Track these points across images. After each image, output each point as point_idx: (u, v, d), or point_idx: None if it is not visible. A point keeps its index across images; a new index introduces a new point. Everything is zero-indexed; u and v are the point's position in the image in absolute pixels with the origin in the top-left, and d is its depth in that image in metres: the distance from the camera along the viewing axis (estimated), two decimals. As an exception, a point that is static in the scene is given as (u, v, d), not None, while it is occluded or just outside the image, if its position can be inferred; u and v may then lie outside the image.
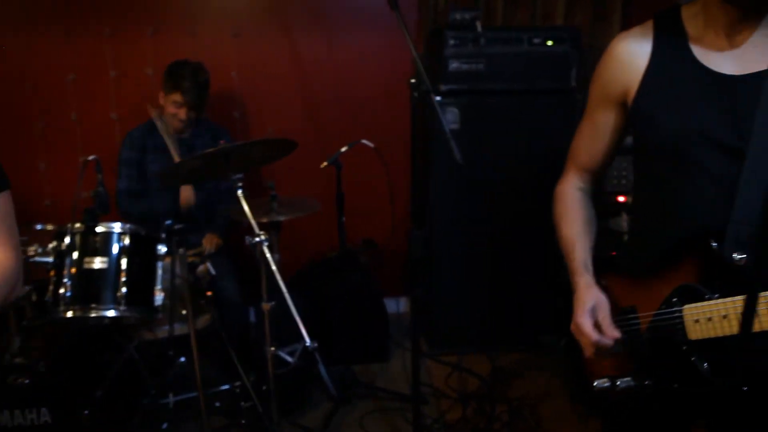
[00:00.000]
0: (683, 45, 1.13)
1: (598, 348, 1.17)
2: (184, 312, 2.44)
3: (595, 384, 1.19)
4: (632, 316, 1.21)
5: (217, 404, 2.50)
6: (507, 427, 2.54)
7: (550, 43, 2.85)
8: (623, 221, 2.58)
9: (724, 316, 1.03)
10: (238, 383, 2.54)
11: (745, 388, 1.01)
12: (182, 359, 2.61)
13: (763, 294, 0.93)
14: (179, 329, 2.54)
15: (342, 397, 2.58)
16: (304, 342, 2.03)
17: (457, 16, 2.83)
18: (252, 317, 3.02)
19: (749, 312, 0.88)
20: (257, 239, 2.02)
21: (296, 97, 3.39)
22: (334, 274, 3.06)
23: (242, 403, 2.30)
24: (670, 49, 1.15)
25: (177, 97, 2.69)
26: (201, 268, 2.41)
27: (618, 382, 1.15)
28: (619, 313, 1.23)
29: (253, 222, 2.04)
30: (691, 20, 1.14)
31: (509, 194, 2.97)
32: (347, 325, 2.96)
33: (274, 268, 1.99)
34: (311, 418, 2.60)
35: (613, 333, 1.17)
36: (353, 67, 3.37)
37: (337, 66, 3.36)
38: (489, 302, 3.06)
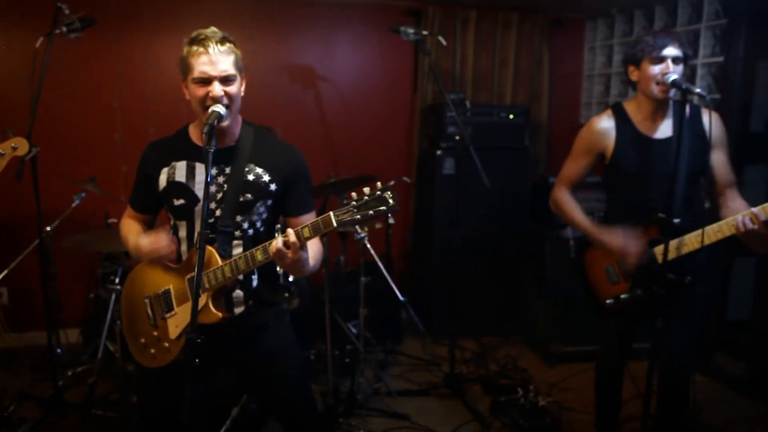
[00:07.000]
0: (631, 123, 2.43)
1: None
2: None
3: (606, 302, 2.47)
4: None
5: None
6: (501, 370, 3.83)
7: (512, 116, 4.26)
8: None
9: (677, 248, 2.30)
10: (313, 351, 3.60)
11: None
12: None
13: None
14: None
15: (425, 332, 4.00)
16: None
17: (452, 96, 4.14)
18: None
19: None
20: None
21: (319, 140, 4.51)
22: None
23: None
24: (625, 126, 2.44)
25: None
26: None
27: (622, 296, 2.43)
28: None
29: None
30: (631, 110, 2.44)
31: (486, 219, 4.28)
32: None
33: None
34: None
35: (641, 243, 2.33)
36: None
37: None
38: (470, 299, 4.29)
